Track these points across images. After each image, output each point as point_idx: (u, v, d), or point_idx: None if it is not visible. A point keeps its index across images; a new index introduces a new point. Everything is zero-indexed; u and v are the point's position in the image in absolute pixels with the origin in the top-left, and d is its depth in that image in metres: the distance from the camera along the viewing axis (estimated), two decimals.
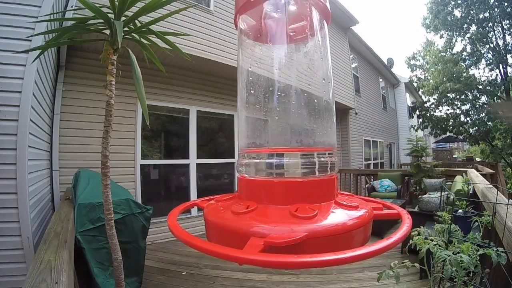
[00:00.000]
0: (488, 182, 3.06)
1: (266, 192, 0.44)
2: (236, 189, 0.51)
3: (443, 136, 14.76)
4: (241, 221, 0.39)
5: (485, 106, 12.67)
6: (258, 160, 0.47)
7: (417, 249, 1.48)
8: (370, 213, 0.43)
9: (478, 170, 5.60)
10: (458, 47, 13.99)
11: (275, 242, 0.32)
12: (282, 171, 0.44)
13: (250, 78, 0.52)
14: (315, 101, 0.50)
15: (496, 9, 11.60)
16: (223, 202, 0.49)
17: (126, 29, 1.57)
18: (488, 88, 12.80)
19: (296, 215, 0.38)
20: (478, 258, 1.28)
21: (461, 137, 14.27)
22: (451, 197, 2.07)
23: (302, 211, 0.38)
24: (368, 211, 0.44)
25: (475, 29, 12.46)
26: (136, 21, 1.62)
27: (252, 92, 0.52)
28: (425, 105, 14.38)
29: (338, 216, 0.42)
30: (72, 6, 3.01)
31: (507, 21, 11.65)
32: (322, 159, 0.45)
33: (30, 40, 1.95)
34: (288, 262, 0.29)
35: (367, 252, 0.32)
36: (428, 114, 13.93)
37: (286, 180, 0.44)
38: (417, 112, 14.21)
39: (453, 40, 13.51)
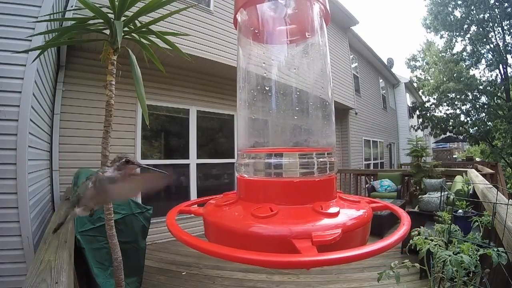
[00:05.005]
0: (488, 182, 3.06)
1: (279, 192, 0.43)
2: (234, 190, 0.50)
3: (443, 136, 14.77)
4: (274, 225, 0.37)
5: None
6: (257, 160, 0.47)
7: (417, 249, 1.48)
8: (369, 206, 0.46)
9: (478, 170, 5.60)
10: (458, 47, 14.00)
11: (324, 241, 0.32)
12: (281, 171, 0.44)
13: (249, 78, 0.52)
14: (314, 101, 0.50)
15: (496, 10, 11.60)
16: (231, 207, 0.46)
17: (126, 29, 1.57)
18: (488, 88, 12.81)
19: (323, 213, 0.38)
20: (478, 258, 1.28)
21: (461, 137, 14.28)
22: (451, 197, 2.07)
23: (326, 208, 0.39)
24: (367, 204, 0.46)
25: (475, 30, 12.46)
26: (136, 21, 1.62)
27: (251, 91, 0.51)
28: (425, 105, 14.39)
29: (353, 210, 0.43)
30: (72, 6, 3.01)
31: (507, 22, 11.66)
32: (321, 159, 0.45)
33: (30, 40, 1.95)
34: (358, 254, 0.30)
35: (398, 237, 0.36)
36: (428, 114, 13.93)
37: (303, 180, 0.44)
38: (417, 112, 14.21)
39: (453, 41, 13.53)
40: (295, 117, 0.48)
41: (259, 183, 0.46)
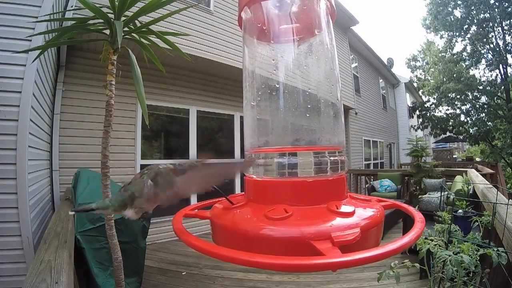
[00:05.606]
0: (488, 182, 3.06)
1: (292, 193, 0.42)
2: (236, 192, 0.49)
3: (443, 136, 14.77)
4: (291, 227, 0.36)
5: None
6: (268, 160, 0.45)
7: (417, 249, 1.48)
8: (381, 205, 0.44)
9: (478, 170, 5.60)
10: (458, 48, 14.03)
11: (346, 241, 0.31)
12: (295, 171, 0.43)
13: (257, 77, 0.51)
14: (325, 98, 0.49)
15: (496, 10, 11.60)
16: (242, 209, 0.44)
17: (126, 29, 1.57)
18: (488, 88, 12.82)
19: (339, 212, 0.37)
20: (478, 258, 1.28)
21: (461, 137, 14.28)
22: (451, 197, 2.07)
23: (340, 207, 0.38)
24: (377, 203, 0.45)
25: (475, 30, 12.47)
26: (136, 21, 1.62)
27: (259, 91, 0.50)
28: (425, 105, 14.39)
29: (367, 209, 0.42)
30: (72, 6, 3.01)
31: (507, 21, 11.66)
32: (332, 158, 0.45)
33: (30, 40, 1.95)
34: (384, 253, 0.29)
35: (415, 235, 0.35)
36: (428, 114, 13.94)
37: (317, 179, 0.43)
38: (417, 112, 14.22)
39: (453, 41, 13.53)
40: (307, 115, 0.47)
41: (271, 184, 0.44)
